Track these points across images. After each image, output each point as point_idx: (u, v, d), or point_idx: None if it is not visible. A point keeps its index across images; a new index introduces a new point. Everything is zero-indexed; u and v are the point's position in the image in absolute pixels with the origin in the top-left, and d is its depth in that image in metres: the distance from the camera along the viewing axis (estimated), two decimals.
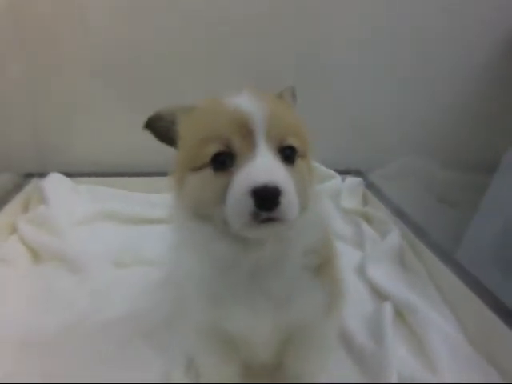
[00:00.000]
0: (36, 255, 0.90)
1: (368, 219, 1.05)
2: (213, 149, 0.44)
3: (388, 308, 0.72)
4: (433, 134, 1.23)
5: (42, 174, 1.11)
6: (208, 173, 0.45)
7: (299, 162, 0.47)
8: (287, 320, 0.51)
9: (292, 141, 0.46)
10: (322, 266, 0.51)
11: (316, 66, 1.17)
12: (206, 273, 0.50)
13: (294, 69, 1.17)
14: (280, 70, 1.16)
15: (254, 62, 1.15)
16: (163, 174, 1.13)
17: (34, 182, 1.09)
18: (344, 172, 1.19)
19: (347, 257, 0.93)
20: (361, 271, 0.86)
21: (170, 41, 1.12)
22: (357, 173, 1.21)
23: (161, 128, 0.52)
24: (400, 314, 0.74)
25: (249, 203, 0.40)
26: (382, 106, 1.21)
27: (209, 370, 0.61)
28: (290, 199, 0.41)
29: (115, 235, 1.01)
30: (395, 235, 0.92)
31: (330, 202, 1.10)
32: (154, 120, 0.52)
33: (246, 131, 0.44)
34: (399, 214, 0.99)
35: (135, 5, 1.08)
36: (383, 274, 0.83)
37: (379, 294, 0.79)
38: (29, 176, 1.15)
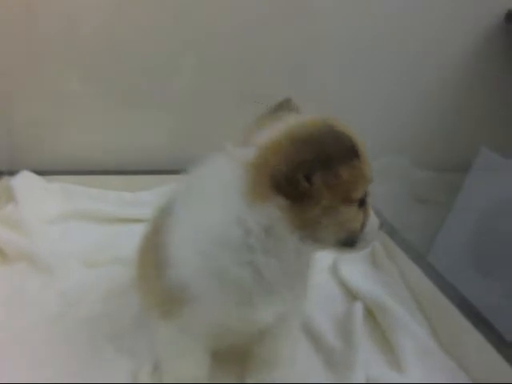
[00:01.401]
0: (3, 255, 0.88)
1: None
2: (364, 191, 0.50)
3: (358, 308, 0.73)
4: (408, 134, 1.24)
5: (12, 173, 1.08)
6: (356, 207, 0.50)
7: None
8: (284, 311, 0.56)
9: None
10: None
11: (293, 66, 1.17)
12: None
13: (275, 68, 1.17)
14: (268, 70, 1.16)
15: (243, 61, 1.15)
16: (139, 172, 1.15)
17: (4, 181, 1.07)
18: None
19: (321, 256, 0.93)
20: (333, 270, 0.87)
21: (155, 39, 1.10)
22: None
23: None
24: (371, 313, 0.74)
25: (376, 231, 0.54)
26: (357, 106, 1.21)
27: (177, 373, 0.61)
28: None
29: (88, 235, 0.99)
30: None
31: None
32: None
33: None
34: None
35: (122, 1, 1.07)
36: (355, 274, 0.84)
37: (350, 294, 0.79)
38: None
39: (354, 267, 0.86)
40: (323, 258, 0.91)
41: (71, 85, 1.13)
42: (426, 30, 1.16)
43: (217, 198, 0.50)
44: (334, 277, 0.85)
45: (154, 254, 0.54)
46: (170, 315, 0.54)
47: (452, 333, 0.69)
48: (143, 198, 1.09)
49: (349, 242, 0.51)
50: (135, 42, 1.11)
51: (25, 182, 1.05)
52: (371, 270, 0.88)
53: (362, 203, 0.51)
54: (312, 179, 0.46)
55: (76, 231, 1.00)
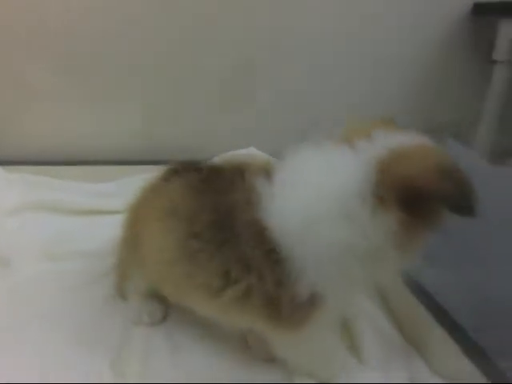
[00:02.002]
0: None
1: None
2: None
3: None
4: None
5: None
6: None
7: None
8: None
9: None
10: None
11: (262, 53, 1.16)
12: None
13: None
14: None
15: (212, 54, 1.13)
16: (101, 162, 1.13)
17: None
18: None
19: None
20: None
21: (123, 28, 1.08)
22: None
23: None
24: None
25: None
26: (327, 96, 1.21)
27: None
28: None
29: (49, 226, 0.96)
30: None
31: None
32: None
33: None
34: None
35: None
36: None
37: None
38: None
39: None
40: None
41: (33, 74, 1.09)
42: (393, 22, 1.16)
43: (340, 199, 0.48)
44: None
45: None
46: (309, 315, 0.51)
47: (412, 322, 0.69)
48: (106, 189, 1.06)
49: None
50: (102, 31, 1.08)
51: None
52: None
53: None
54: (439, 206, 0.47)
55: (37, 223, 0.96)
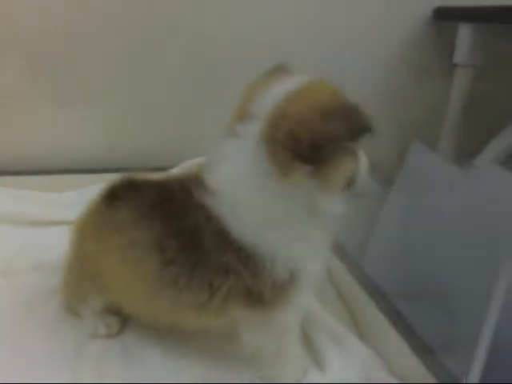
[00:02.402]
0: None
1: None
2: None
3: None
4: None
5: None
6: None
7: None
8: None
9: None
10: None
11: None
12: None
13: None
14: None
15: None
16: (65, 171, 1.10)
17: None
18: None
19: None
20: None
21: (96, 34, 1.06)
22: None
23: None
24: None
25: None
26: None
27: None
28: None
29: (7, 239, 0.93)
30: None
31: None
32: None
33: None
34: None
35: None
36: None
37: None
38: None
39: None
40: None
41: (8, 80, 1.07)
42: (355, 28, 1.17)
43: (249, 186, 0.51)
44: None
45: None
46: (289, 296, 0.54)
47: (372, 327, 0.69)
48: (69, 199, 1.04)
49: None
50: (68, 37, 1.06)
51: None
52: None
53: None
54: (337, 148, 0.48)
55: None
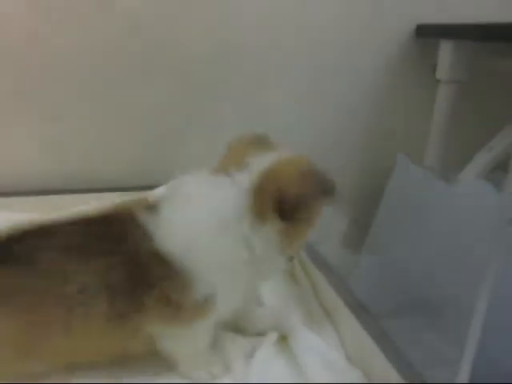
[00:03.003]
0: None
1: None
2: None
3: (270, 337, 0.71)
4: (327, 144, 1.26)
5: None
6: None
7: None
8: None
9: None
10: None
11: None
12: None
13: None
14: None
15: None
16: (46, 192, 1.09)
17: None
18: None
19: None
20: None
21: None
22: None
23: None
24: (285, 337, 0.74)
25: None
26: (274, 122, 1.22)
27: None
28: None
29: None
30: None
31: None
32: None
33: None
34: None
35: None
36: (271, 292, 0.83)
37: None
38: None
39: (271, 283, 0.86)
40: None
41: None
42: (337, 46, 1.19)
43: (222, 220, 0.57)
44: None
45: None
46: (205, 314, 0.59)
47: (359, 350, 0.69)
48: None
49: None
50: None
51: None
52: (288, 284, 0.88)
53: None
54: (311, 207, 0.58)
55: None
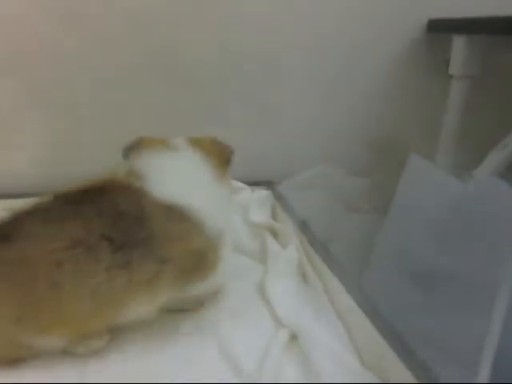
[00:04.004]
0: None
1: (274, 233, 1.03)
2: None
3: (282, 338, 0.70)
4: (340, 143, 1.25)
5: None
6: None
7: None
8: None
9: None
10: None
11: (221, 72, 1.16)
12: None
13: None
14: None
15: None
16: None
17: None
18: (254, 183, 1.18)
19: (250, 273, 0.91)
20: (261, 289, 0.85)
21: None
22: (268, 183, 1.20)
23: None
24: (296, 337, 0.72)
25: None
26: (286, 116, 1.21)
27: None
28: None
29: None
30: (293, 248, 0.92)
31: (239, 215, 1.08)
32: None
33: None
34: (302, 226, 0.99)
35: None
36: (282, 293, 0.81)
37: (277, 318, 0.77)
38: None
39: (282, 284, 0.84)
40: (251, 275, 0.90)
41: None
42: (346, 42, 1.17)
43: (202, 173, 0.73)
44: (262, 296, 0.83)
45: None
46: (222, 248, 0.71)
47: (373, 352, 0.67)
48: None
49: None
50: None
51: None
52: (299, 284, 0.86)
53: None
54: None
55: None
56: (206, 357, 0.68)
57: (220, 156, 0.75)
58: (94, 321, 0.62)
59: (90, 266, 0.59)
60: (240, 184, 1.14)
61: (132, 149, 0.73)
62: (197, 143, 0.74)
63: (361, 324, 0.70)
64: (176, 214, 0.64)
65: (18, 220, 0.61)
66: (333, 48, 1.17)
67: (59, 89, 1.09)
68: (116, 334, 0.68)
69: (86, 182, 0.66)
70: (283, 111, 1.22)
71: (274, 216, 1.12)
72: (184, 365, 0.66)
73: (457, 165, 1.18)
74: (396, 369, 0.61)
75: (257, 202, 1.12)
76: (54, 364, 0.64)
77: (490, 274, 0.87)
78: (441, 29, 1.19)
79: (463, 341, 0.77)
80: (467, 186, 1.05)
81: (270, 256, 0.94)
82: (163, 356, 0.68)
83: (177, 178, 0.69)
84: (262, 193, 1.15)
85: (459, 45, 1.12)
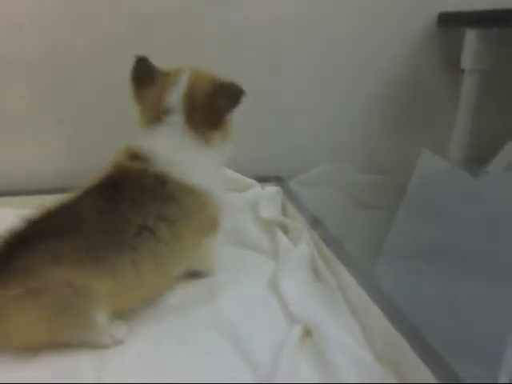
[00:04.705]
0: None
1: (285, 229, 1.02)
2: None
3: (295, 334, 0.69)
4: (350, 138, 1.24)
5: None
6: None
7: None
8: None
9: None
10: None
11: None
12: None
13: None
14: None
15: None
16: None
17: None
18: (264, 180, 1.17)
19: (262, 269, 0.91)
20: (273, 285, 0.84)
21: None
22: (277, 180, 1.19)
23: None
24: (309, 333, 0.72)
25: None
26: (299, 113, 1.20)
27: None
28: None
29: None
30: (305, 244, 0.91)
31: (249, 211, 1.07)
32: None
33: None
34: (313, 222, 0.98)
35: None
36: (294, 289, 0.81)
37: (290, 314, 0.76)
38: None
39: (294, 280, 0.83)
40: (262, 271, 0.89)
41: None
42: (359, 35, 1.16)
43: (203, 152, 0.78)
44: (274, 292, 0.82)
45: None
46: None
47: (389, 348, 0.66)
48: None
49: None
50: None
51: None
52: (311, 281, 0.85)
53: None
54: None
55: None
56: (219, 352, 0.67)
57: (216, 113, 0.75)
58: (159, 286, 0.77)
59: (154, 244, 0.69)
60: (250, 180, 1.13)
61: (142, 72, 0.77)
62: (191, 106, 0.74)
63: (376, 319, 0.69)
64: (195, 192, 0.74)
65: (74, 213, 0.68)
66: (343, 46, 1.16)
67: (71, 90, 1.10)
68: (132, 326, 0.71)
69: (104, 174, 0.73)
70: (293, 108, 1.21)
71: (283, 212, 1.11)
72: (198, 360, 0.66)
73: (470, 159, 1.16)
74: (414, 366, 0.60)
75: (267, 198, 1.11)
76: (73, 352, 0.65)
77: (503, 267, 0.86)
78: (452, 22, 1.18)
79: (484, 336, 0.76)
80: (481, 181, 1.04)
81: (281, 252, 0.93)
82: (177, 352, 0.67)
83: (185, 162, 0.75)
84: (272, 189, 1.14)
85: (471, 38, 1.11)
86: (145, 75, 0.76)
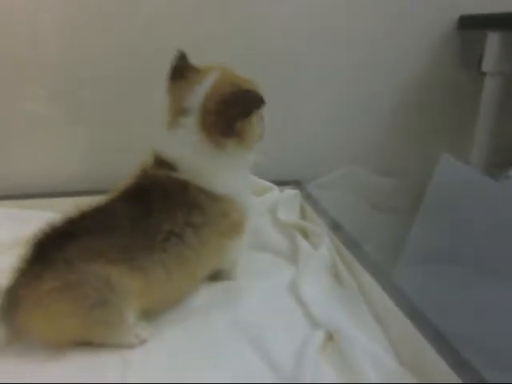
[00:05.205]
0: None
1: (304, 232, 1.02)
2: None
3: (317, 337, 0.69)
4: (366, 142, 1.23)
5: None
6: None
7: None
8: None
9: None
10: None
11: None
12: None
13: None
14: None
15: None
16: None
17: None
18: (282, 183, 1.17)
19: (281, 273, 0.90)
20: (294, 289, 0.84)
21: None
22: (295, 183, 1.19)
23: None
24: (331, 337, 0.71)
25: None
26: (314, 116, 1.20)
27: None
28: None
29: None
30: (325, 248, 0.90)
31: (268, 215, 1.08)
32: None
33: None
34: (333, 225, 0.97)
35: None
36: (315, 292, 0.80)
37: (311, 317, 0.76)
38: None
39: (313, 284, 0.83)
40: (283, 275, 0.89)
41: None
42: (379, 37, 1.16)
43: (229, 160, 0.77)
44: (294, 296, 0.82)
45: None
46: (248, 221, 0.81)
47: (413, 352, 0.66)
48: None
49: None
50: None
51: None
52: (331, 284, 0.85)
53: None
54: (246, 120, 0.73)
55: None
56: (242, 354, 0.67)
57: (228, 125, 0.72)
58: (186, 288, 0.78)
59: (182, 249, 0.71)
60: (268, 183, 1.14)
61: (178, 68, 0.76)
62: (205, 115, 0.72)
63: (399, 323, 0.68)
64: (217, 198, 0.74)
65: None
66: (361, 47, 1.16)
67: (86, 91, 1.11)
68: (157, 327, 0.72)
69: (132, 180, 0.74)
70: (310, 111, 1.21)
71: (302, 215, 1.11)
72: (221, 361, 0.66)
73: (491, 163, 1.15)
74: (437, 367, 0.59)
75: (285, 201, 1.11)
76: (99, 352, 0.66)
77: None
78: (473, 25, 1.17)
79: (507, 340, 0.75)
80: (502, 186, 1.03)
81: (301, 256, 0.93)
82: (200, 354, 0.68)
83: (203, 168, 0.74)
84: (291, 192, 1.14)
85: (493, 41, 1.09)
86: (179, 71, 0.75)
